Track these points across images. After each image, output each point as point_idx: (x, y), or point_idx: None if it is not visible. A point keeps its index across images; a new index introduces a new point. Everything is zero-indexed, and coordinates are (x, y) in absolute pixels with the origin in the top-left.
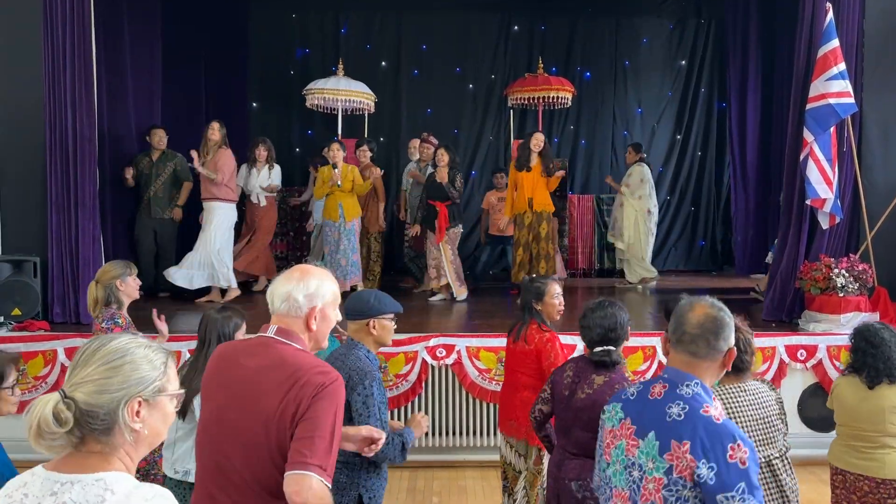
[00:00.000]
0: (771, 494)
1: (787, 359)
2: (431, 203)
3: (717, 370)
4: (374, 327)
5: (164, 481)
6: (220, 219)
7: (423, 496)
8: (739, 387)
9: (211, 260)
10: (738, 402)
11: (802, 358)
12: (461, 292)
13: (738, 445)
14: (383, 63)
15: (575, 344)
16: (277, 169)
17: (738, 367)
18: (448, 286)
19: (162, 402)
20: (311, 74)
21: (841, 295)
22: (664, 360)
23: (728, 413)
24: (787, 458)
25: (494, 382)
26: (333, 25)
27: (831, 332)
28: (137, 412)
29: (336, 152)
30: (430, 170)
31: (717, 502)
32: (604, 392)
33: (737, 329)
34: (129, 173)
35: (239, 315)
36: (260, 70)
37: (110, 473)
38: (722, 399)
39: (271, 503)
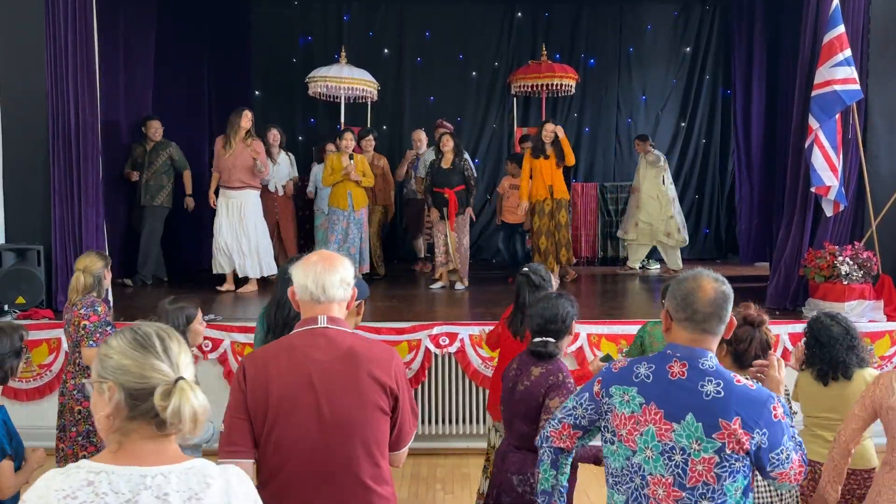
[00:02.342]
0: (768, 490)
1: (790, 346)
2: (439, 191)
3: (718, 340)
4: (358, 312)
5: None
6: (257, 206)
7: (427, 484)
8: None
9: (258, 248)
10: None
11: None
12: (464, 282)
13: (777, 404)
14: (386, 51)
15: (578, 332)
16: (292, 157)
17: (748, 363)
18: (450, 273)
19: None
20: (314, 62)
21: (845, 283)
22: None
23: None
24: None
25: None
26: (336, 13)
27: None
28: None
29: (349, 142)
30: (432, 157)
31: (769, 460)
32: (539, 384)
33: (766, 329)
34: (133, 175)
35: (193, 304)
36: (263, 58)
37: (195, 461)
38: None
39: (359, 493)
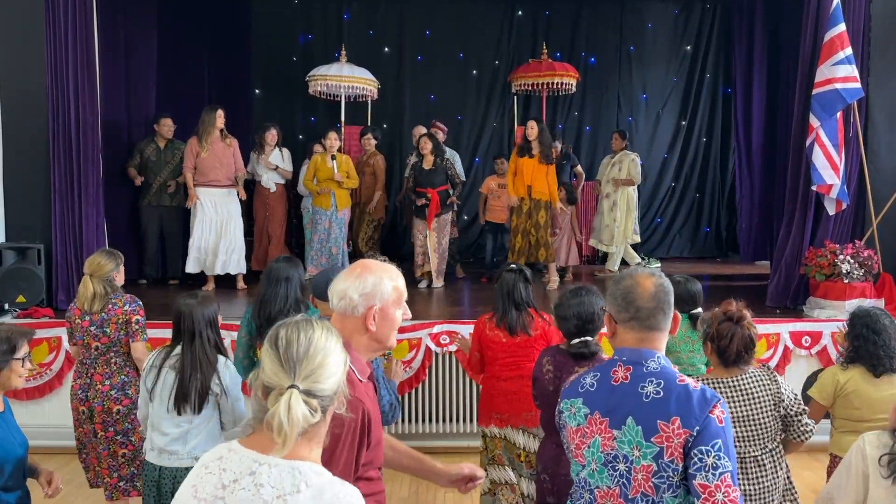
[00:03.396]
0: (764, 487)
1: (791, 345)
2: (421, 191)
3: (666, 337)
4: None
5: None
6: (238, 205)
7: (427, 483)
8: (728, 381)
9: (238, 245)
10: (724, 397)
11: (807, 344)
12: (438, 281)
13: (718, 405)
14: (386, 49)
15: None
16: (287, 153)
17: (732, 360)
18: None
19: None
20: (314, 61)
21: (846, 281)
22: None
23: None
24: (777, 453)
25: None
26: (336, 11)
27: (836, 319)
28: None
29: (333, 142)
30: (414, 158)
31: (691, 457)
32: None
33: (748, 324)
34: (133, 173)
35: (213, 299)
36: (263, 57)
37: (305, 463)
38: None
39: None
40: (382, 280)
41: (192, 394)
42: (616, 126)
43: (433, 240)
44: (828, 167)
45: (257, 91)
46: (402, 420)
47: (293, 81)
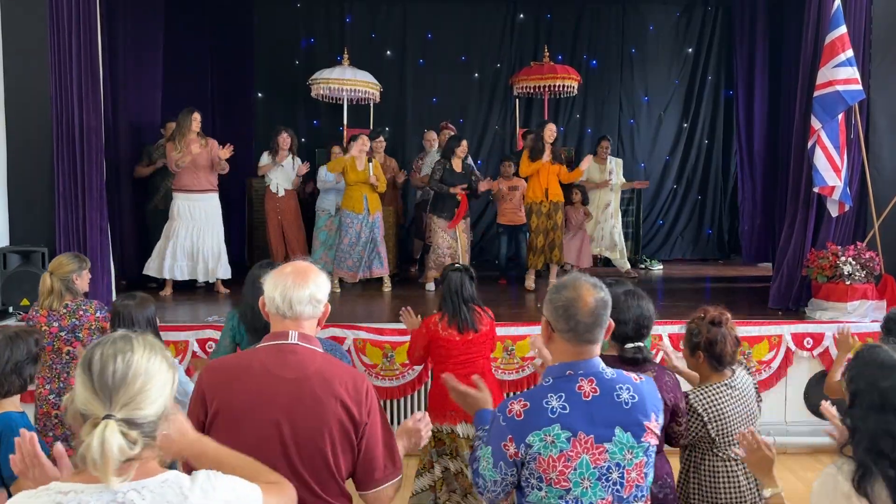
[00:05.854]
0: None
1: (793, 347)
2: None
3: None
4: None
5: None
6: (219, 209)
7: None
8: (726, 384)
9: (221, 251)
10: (726, 401)
11: (809, 346)
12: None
13: (657, 377)
14: (388, 52)
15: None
16: (299, 161)
17: (727, 362)
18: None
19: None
20: (317, 64)
21: (848, 283)
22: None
23: (716, 412)
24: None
25: (501, 371)
26: (338, 15)
27: (838, 320)
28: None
29: (365, 145)
30: (436, 156)
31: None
32: (661, 388)
33: (723, 325)
34: (142, 171)
35: (150, 301)
36: (265, 60)
37: (169, 473)
38: (710, 399)
39: None
40: (322, 276)
41: None
42: (618, 128)
43: (464, 241)
44: (829, 169)
45: (260, 95)
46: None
47: (295, 85)
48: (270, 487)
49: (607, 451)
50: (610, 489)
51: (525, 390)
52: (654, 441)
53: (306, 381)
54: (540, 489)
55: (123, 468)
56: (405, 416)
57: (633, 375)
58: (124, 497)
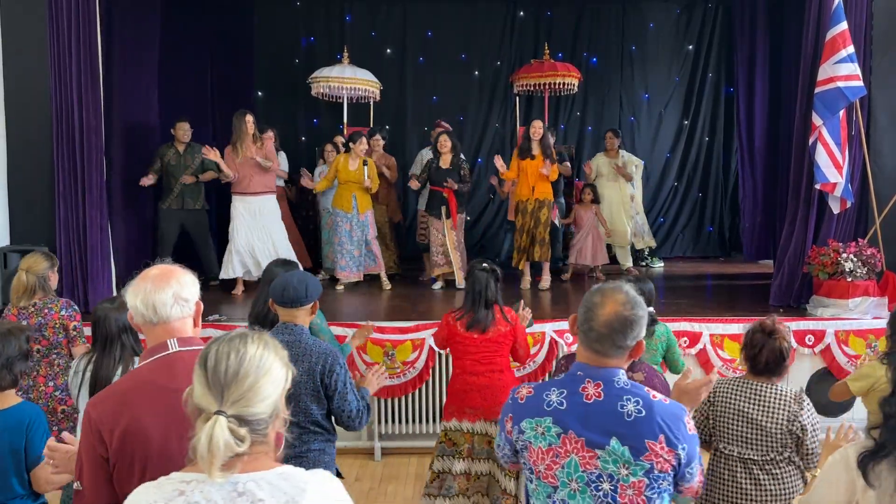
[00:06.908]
0: (743, 491)
1: (795, 344)
2: (436, 189)
3: (624, 362)
4: (313, 311)
5: None
6: (277, 210)
7: None
8: (751, 383)
9: (278, 252)
10: (738, 392)
11: (810, 343)
12: (461, 280)
13: (689, 418)
14: (388, 50)
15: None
16: (283, 155)
17: (760, 370)
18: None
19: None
20: (317, 63)
21: (849, 279)
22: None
23: (719, 398)
24: (777, 465)
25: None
26: (338, 13)
27: (839, 317)
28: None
29: (363, 146)
30: (429, 155)
31: (684, 475)
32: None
33: (780, 338)
34: (147, 180)
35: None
36: (265, 59)
37: (286, 467)
38: (723, 385)
39: None
40: (188, 274)
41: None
42: (619, 125)
43: (452, 238)
44: (831, 165)
45: (259, 93)
46: (405, 421)
47: (295, 83)
48: None
49: (599, 458)
50: (600, 499)
51: (541, 381)
52: (662, 466)
53: None
54: (531, 481)
55: (230, 463)
56: (406, 415)
57: (654, 394)
58: (244, 487)
